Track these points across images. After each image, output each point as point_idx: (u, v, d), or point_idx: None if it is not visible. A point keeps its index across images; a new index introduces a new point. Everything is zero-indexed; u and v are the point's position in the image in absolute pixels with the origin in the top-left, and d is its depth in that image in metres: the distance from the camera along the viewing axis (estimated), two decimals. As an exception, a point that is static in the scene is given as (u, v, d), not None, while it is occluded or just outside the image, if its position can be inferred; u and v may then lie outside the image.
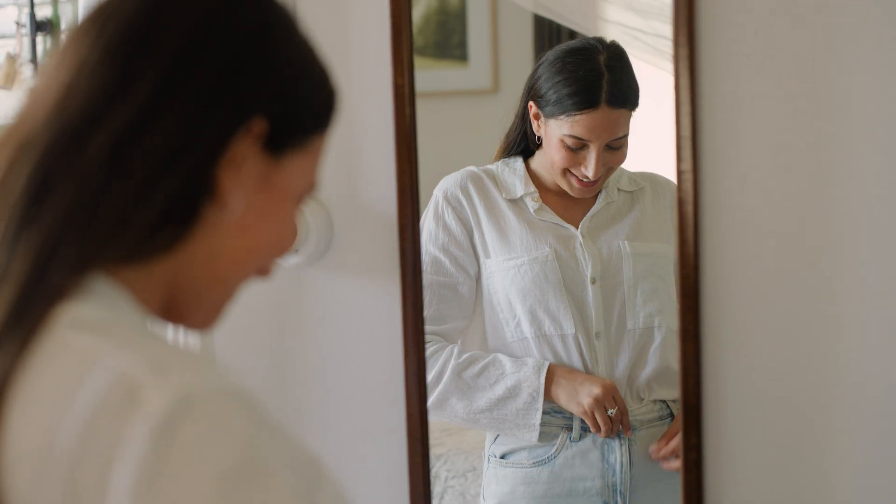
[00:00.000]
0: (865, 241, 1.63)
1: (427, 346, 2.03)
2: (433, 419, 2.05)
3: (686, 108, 1.68)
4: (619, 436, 1.99)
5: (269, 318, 1.95)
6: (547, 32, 2.29)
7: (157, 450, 0.80)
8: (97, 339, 0.86)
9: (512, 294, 2.01)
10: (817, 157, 1.65)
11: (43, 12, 2.61)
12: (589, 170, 1.98)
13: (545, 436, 2.02)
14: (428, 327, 2.04)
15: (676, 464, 1.93)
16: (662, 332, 1.98)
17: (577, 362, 1.99)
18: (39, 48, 2.56)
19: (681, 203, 1.69)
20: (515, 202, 2.06)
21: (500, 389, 2.01)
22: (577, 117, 1.96)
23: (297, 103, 0.97)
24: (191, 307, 0.98)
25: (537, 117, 2.03)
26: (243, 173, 0.94)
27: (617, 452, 1.99)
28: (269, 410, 0.86)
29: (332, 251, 1.90)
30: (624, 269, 2.01)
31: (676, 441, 1.95)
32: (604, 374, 1.99)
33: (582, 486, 2.00)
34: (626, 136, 1.99)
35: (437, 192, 2.06)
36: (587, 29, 2.23)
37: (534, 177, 2.07)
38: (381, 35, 1.83)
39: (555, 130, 1.99)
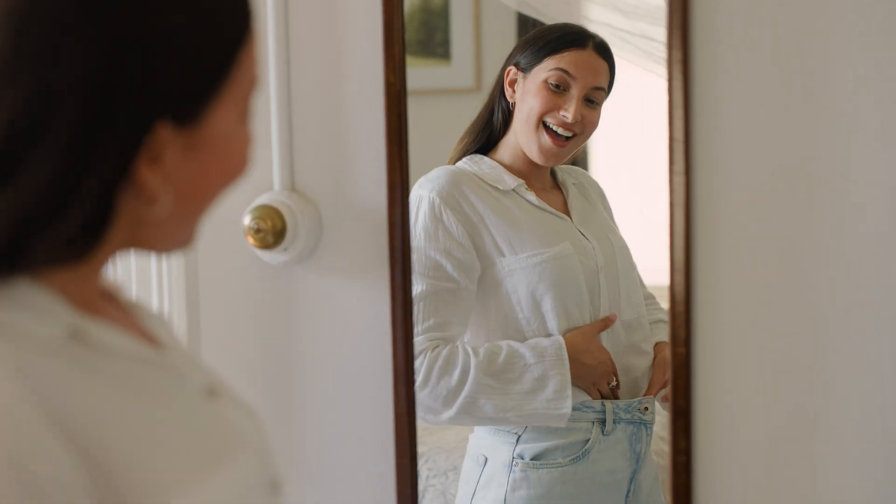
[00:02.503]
0: (860, 247, 1.63)
1: (434, 350, 1.97)
2: (456, 427, 2.03)
3: (679, 112, 1.67)
4: (644, 425, 1.99)
5: (257, 316, 1.93)
6: (530, 31, 2.28)
7: None
8: None
9: (540, 291, 1.97)
10: (811, 162, 1.65)
11: None
12: (569, 111, 1.97)
13: (576, 431, 1.98)
14: (433, 334, 1.99)
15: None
16: (647, 322, 1.99)
17: None
18: None
19: (672, 207, 1.69)
20: (509, 195, 2.03)
21: (527, 382, 1.96)
22: (565, 53, 1.99)
23: (202, 74, 0.89)
24: (159, 239, 0.94)
25: (513, 83, 2.02)
26: (166, 163, 0.89)
27: (643, 441, 1.99)
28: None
29: (320, 249, 1.89)
30: (617, 259, 2.01)
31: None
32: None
33: (613, 479, 1.99)
34: (604, 91, 2.00)
35: (427, 193, 1.98)
36: (571, 29, 2.23)
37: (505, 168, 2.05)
38: (373, 32, 1.82)
39: (538, 75, 2.00)
